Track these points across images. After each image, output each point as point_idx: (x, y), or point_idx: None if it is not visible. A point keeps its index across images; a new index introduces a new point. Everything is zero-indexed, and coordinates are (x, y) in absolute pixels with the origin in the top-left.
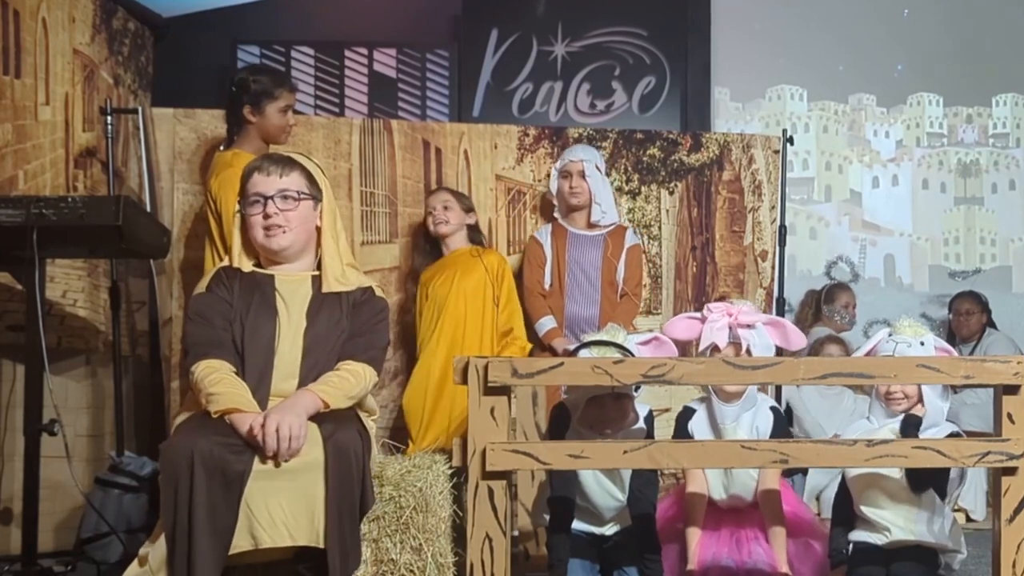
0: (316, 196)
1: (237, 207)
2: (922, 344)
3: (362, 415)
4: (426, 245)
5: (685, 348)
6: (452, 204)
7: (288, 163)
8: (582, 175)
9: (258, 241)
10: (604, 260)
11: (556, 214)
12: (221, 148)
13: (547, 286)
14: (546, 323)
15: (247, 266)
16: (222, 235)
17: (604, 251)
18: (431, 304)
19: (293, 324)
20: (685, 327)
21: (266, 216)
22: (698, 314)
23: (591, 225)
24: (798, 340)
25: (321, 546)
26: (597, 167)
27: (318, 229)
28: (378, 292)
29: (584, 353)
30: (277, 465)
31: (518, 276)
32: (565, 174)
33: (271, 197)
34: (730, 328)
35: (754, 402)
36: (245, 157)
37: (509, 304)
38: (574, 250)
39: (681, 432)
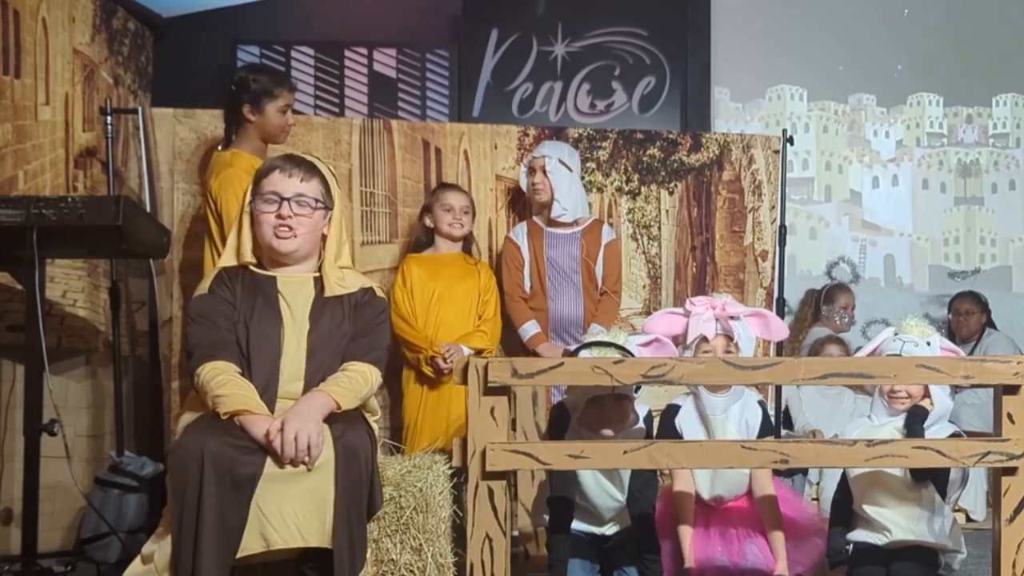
0: (329, 206)
1: (248, 199)
2: (928, 344)
3: (365, 415)
4: (422, 236)
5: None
6: (470, 211)
7: (310, 169)
8: (544, 171)
9: (265, 240)
10: (582, 259)
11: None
12: (219, 148)
13: (527, 288)
14: (529, 329)
15: (249, 257)
16: (222, 235)
17: (581, 250)
18: (417, 295)
19: (297, 326)
20: (667, 322)
21: (280, 216)
22: (679, 309)
23: (551, 222)
24: (780, 331)
25: (331, 546)
26: (562, 162)
27: (323, 236)
28: (379, 293)
29: (585, 354)
30: (295, 465)
31: (498, 276)
32: (531, 170)
33: (288, 199)
34: (717, 320)
35: (741, 394)
36: (244, 157)
37: (488, 315)
38: (551, 249)
39: (668, 429)
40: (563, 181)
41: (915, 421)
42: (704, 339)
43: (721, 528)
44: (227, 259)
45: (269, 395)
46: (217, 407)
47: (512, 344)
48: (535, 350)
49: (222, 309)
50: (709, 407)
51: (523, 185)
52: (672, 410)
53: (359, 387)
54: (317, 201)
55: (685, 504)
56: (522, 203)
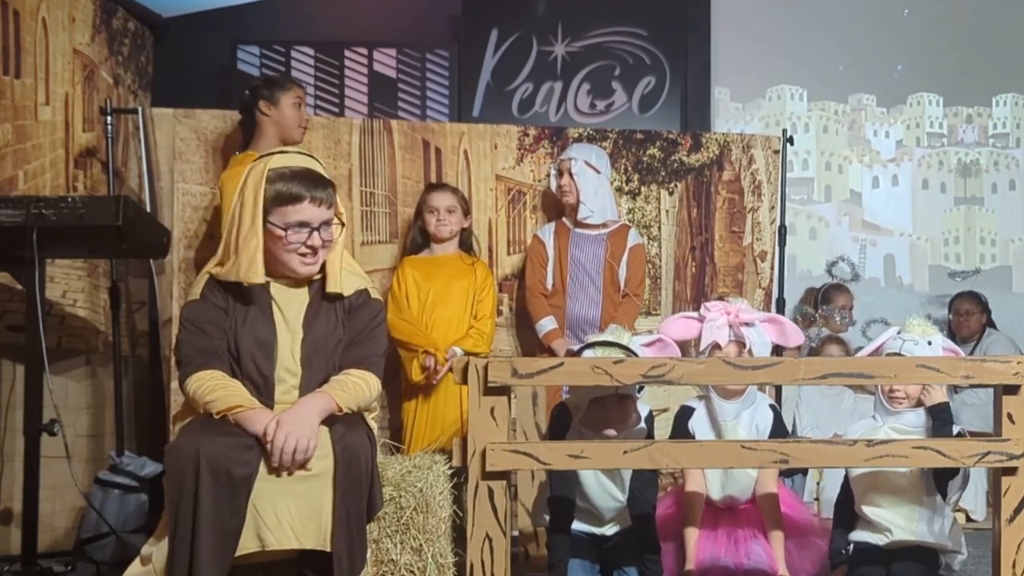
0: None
1: (263, 217)
2: (929, 344)
3: (364, 414)
4: (417, 237)
5: (683, 348)
6: (456, 208)
7: (332, 190)
8: (570, 173)
9: (290, 265)
10: (605, 260)
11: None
12: (237, 152)
13: (549, 286)
14: (546, 324)
15: (261, 278)
16: None
17: (605, 252)
18: (412, 297)
19: (291, 333)
20: (682, 326)
21: (310, 246)
22: (695, 314)
23: (578, 223)
24: (796, 337)
25: (328, 549)
26: (588, 164)
27: None
28: (373, 294)
29: (588, 354)
30: (290, 473)
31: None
32: (559, 172)
33: (317, 228)
34: (730, 326)
35: (753, 399)
36: (254, 157)
37: (482, 314)
38: (576, 250)
39: (681, 431)
40: (589, 184)
41: (942, 421)
42: (717, 346)
43: (729, 529)
44: (226, 270)
45: (265, 402)
46: (210, 411)
47: (529, 341)
48: (550, 346)
49: (213, 316)
50: (720, 413)
51: (552, 187)
52: (686, 412)
53: (361, 393)
54: (336, 219)
55: (694, 505)
56: (522, 203)
